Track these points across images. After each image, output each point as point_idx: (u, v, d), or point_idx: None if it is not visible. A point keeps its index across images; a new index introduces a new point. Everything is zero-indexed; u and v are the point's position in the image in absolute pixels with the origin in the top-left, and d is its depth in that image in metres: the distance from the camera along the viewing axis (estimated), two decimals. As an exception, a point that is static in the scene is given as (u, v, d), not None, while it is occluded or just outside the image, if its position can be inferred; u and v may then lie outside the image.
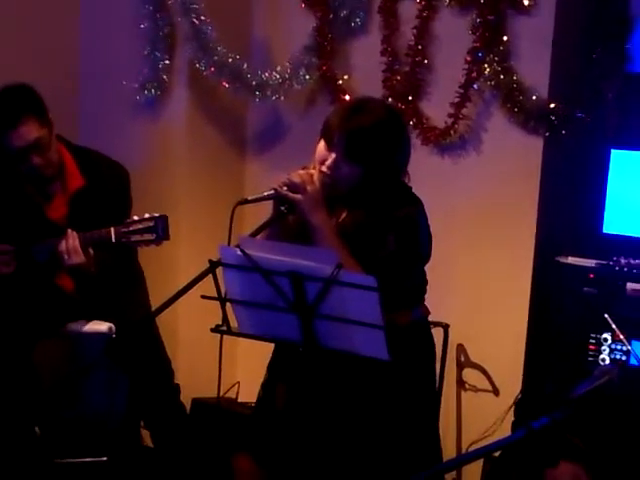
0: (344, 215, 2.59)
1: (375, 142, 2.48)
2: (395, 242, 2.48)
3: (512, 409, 3.49)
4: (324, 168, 2.51)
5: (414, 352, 2.59)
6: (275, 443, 2.63)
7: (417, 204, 2.59)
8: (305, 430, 2.54)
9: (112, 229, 3.14)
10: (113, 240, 3.13)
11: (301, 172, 2.51)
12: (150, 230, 3.12)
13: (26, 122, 3.20)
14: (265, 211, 2.59)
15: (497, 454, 3.04)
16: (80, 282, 3.40)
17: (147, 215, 3.13)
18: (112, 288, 3.45)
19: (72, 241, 3.15)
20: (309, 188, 2.47)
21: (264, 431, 2.69)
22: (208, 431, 3.75)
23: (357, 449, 2.55)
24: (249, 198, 2.53)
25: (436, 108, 3.69)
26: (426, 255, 2.61)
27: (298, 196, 2.46)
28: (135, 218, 3.14)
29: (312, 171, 2.53)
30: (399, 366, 2.36)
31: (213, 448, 3.63)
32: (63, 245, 3.15)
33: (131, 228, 3.13)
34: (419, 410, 2.63)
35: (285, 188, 2.48)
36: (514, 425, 3.32)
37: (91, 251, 3.19)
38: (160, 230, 3.12)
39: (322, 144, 2.54)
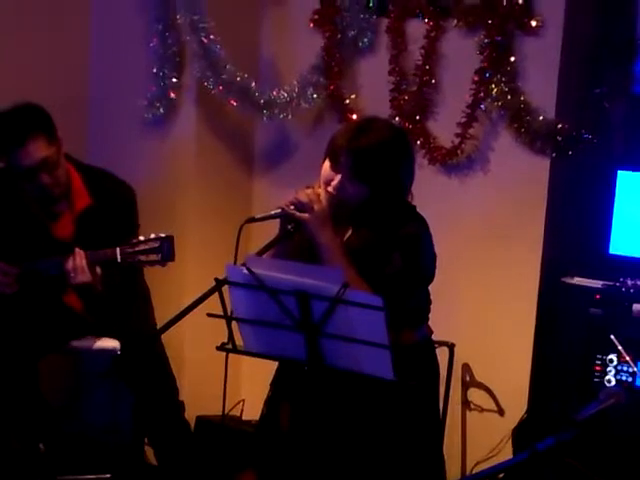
0: (349, 234, 2.59)
1: (381, 162, 2.49)
2: (401, 260, 2.49)
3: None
4: (330, 189, 2.51)
5: (418, 372, 2.58)
6: (280, 462, 2.62)
7: (422, 223, 2.59)
8: (309, 449, 2.53)
9: (118, 249, 3.14)
10: (119, 260, 3.13)
11: (308, 191, 2.52)
12: (155, 251, 3.12)
13: (34, 141, 3.20)
14: (272, 230, 2.59)
15: (502, 475, 3.02)
16: (87, 300, 3.40)
17: (153, 235, 3.13)
18: (118, 305, 3.45)
19: (79, 260, 3.15)
20: (316, 207, 2.47)
21: (268, 449, 2.68)
22: (212, 449, 3.74)
23: (361, 468, 2.55)
24: (256, 217, 2.54)
25: (443, 128, 3.70)
26: (430, 275, 2.61)
27: (305, 215, 2.47)
28: (141, 238, 3.14)
29: (319, 190, 2.53)
30: (403, 386, 2.35)
31: (217, 466, 3.62)
32: (70, 263, 3.15)
33: (137, 248, 3.13)
34: (423, 430, 2.63)
35: (292, 207, 2.49)
36: (515, 446, 3.31)
37: (98, 270, 3.19)
38: (165, 251, 3.12)
39: (327, 164, 2.54)
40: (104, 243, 3.19)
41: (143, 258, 3.13)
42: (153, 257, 3.12)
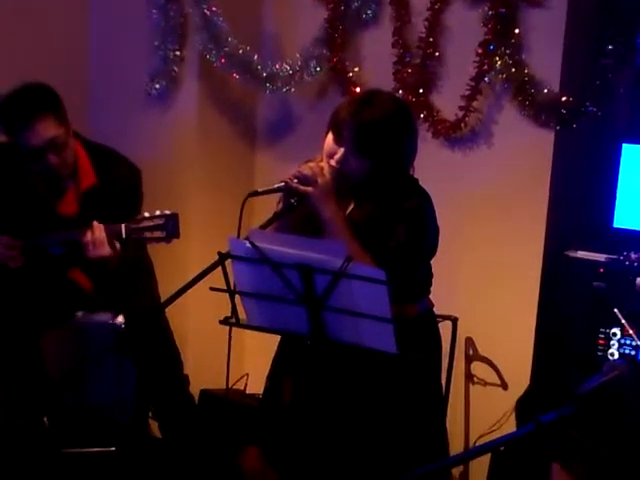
0: (351, 207, 2.59)
1: (384, 135, 2.48)
2: (406, 233, 2.48)
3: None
4: (333, 162, 2.51)
5: (421, 345, 2.58)
6: (283, 437, 2.63)
7: (425, 196, 2.59)
8: (312, 423, 2.54)
9: (123, 225, 3.14)
10: (123, 236, 3.14)
11: (311, 165, 2.51)
12: (160, 228, 3.13)
13: (43, 120, 3.18)
14: (275, 203, 2.59)
15: (502, 448, 3.03)
16: (93, 275, 3.40)
17: (158, 212, 3.13)
18: (124, 280, 3.46)
19: (99, 232, 3.15)
20: (320, 180, 2.47)
21: (271, 425, 2.69)
22: (216, 422, 3.76)
23: (363, 442, 2.56)
24: (259, 190, 2.53)
25: (447, 101, 3.68)
26: (433, 248, 2.61)
27: (309, 188, 2.46)
28: (146, 215, 3.14)
29: (322, 164, 2.53)
30: (406, 359, 2.35)
31: (221, 439, 3.63)
32: (89, 236, 3.15)
33: (141, 225, 3.13)
34: (426, 403, 2.64)
35: (295, 181, 2.48)
36: (518, 419, 3.32)
37: (117, 245, 3.19)
38: (170, 228, 3.12)
39: (330, 138, 2.53)
40: (107, 222, 3.19)
41: (148, 235, 3.13)
42: (158, 234, 3.13)
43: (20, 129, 3.19)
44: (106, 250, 3.15)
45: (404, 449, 2.56)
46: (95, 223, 3.16)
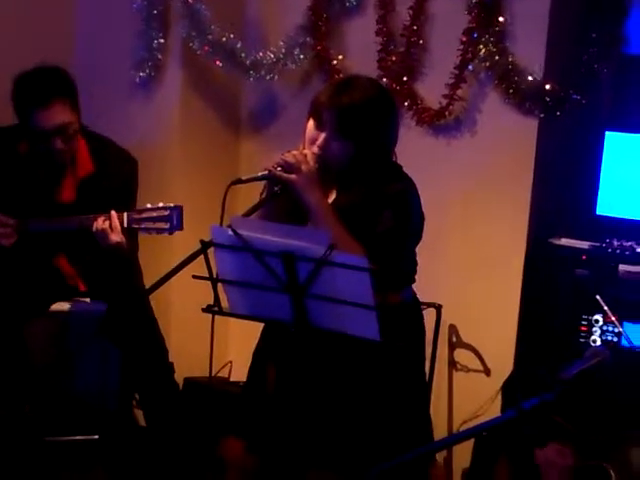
0: (335, 194, 2.58)
1: (365, 116, 2.48)
2: (392, 218, 2.48)
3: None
4: (315, 148, 2.50)
5: (404, 332, 2.59)
6: (265, 427, 2.63)
7: (409, 182, 2.59)
8: (295, 411, 2.54)
9: (125, 214, 3.15)
10: (125, 225, 3.15)
11: (295, 152, 2.50)
12: (164, 219, 3.14)
13: (60, 103, 3.18)
14: (259, 192, 2.58)
15: (485, 434, 3.05)
16: (84, 263, 3.39)
17: (161, 204, 3.15)
18: (111, 269, 3.46)
19: (114, 220, 3.15)
20: (304, 168, 2.46)
21: (254, 414, 2.69)
22: (200, 410, 3.76)
23: (347, 430, 2.56)
24: (243, 178, 2.52)
25: (431, 89, 3.68)
26: (418, 234, 2.61)
27: (293, 176, 2.46)
28: (149, 206, 3.15)
29: (306, 151, 2.52)
30: (390, 346, 2.36)
31: (205, 427, 3.64)
32: (105, 224, 3.14)
33: (144, 215, 3.14)
34: (409, 390, 2.64)
35: (279, 169, 2.48)
36: (503, 406, 3.34)
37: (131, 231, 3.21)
38: (175, 220, 3.13)
39: (311, 124, 2.53)
40: (103, 210, 3.20)
41: (150, 225, 3.14)
42: (161, 225, 3.14)
43: (35, 108, 3.18)
44: (120, 238, 3.15)
45: (388, 436, 2.56)
46: (112, 212, 3.16)
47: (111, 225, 3.15)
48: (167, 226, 3.14)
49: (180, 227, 3.16)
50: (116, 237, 3.15)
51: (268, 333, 2.70)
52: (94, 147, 3.40)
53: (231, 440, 2.73)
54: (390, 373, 2.57)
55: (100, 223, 3.16)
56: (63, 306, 3.50)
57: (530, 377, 3.00)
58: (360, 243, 2.44)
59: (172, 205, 3.16)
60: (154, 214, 3.14)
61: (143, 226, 3.16)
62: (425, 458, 2.57)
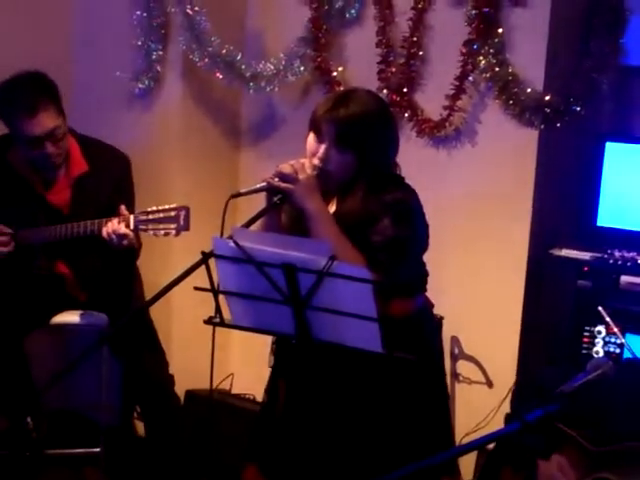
0: (335, 205, 2.58)
1: (363, 128, 2.48)
2: (392, 226, 2.47)
3: (505, 401, 3.50)
4: (316, 160, 2.51)
5: (414, 342, 2.55)
6: (277, 449, 2.60)
7: (410, 191, 2.59)
8: (306, 429, 2.51)
9: (132, 216, 3.15)
10: (131, 227, 3.14)
11: (292, 162, 2.50)
12: (171, 220, 3.13)
13: (46, 110, 3.21)
14: (259, 204, 2.58)
15: (491, 446, 3.03)
16: (81, 274, 3.40)
17: (167, 206, 3.14)
18: (108, 280, 3.45)
19: (129, 219, 3.15)
20: (301, 176, 2.46)
21: (266, 437, 2.67)
22: (201, 423, 3.75)
23: (359, 448, 2.53)
24: (242, 191, 2.52)
25: (431, 100, 3.68)
26: (423, 241, 2.60)
27: (291, 186, 2.46)
28: (155, 208, 3.15)
29: (303, 160, 2.52)
30: (394, 358, 2.32)
31: (205, 441, 3.62)
32: (121, 227, 3.13)
33: (151, 217, 3.14)
34: (426, 403, 2.60)
35: (277, 179, 2.47)
36: (508, 418, 3.32)
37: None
38: (182, 221, 3.12)
39: (311, 137, 2.54)
40: (99, 209, 3.21)
41: (157, 226, 3.13)
42: (169, 226, 3.12)
43: (22, 117, 3.19)
44: (132, 238, 3.14)
45: (406, 453, 2.49)
46: (123, 208, 3.15)
47: (127, 224, 3.14)
48: (174, 227, 3.13)
49: (187, 228, 3.15)
50: (129, 239, 3.15)
51: (279, 349, 2.68)
52: (85, 147, 3.43)
53: (248, 467, 2.70)
54: (401, 386, 2.54)
55: (115, 224, 3.14)
56: (64, 318, 3.49)
57: (532, 389, 2.99)
58: (361, 252, 2.43)
59: (179, 206, 3.15)
60: (161, 215, 3.14)
61: (150, 227, 3.15)
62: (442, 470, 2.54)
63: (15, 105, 3.21)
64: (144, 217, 3.14)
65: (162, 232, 3.15)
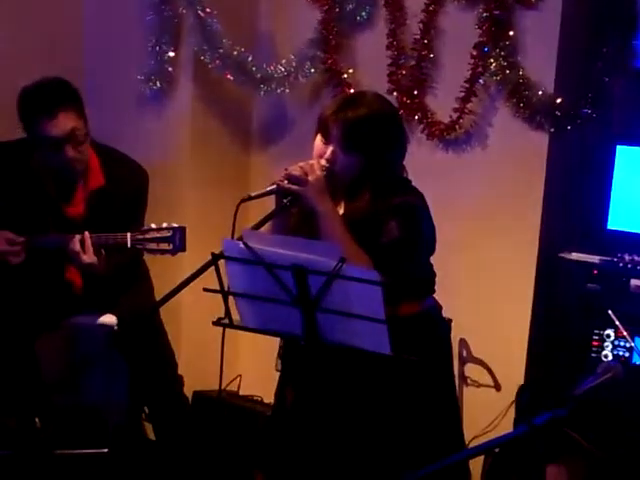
0: (343, 207, 2.58)
1: (370, 130, 2.49)
2: (399, 228, 2.47)
3: (514, 404, 3.49)
4: (323, 161, 2.51)
5: (422, 344, 2.55)
6: (287, 459, 2.60)
7: (418, 194, 2.59)
8: (314, 431, 2.51)
9: (128, 234, 3.15)
10: (128, 246, 3.15)
11: (301, 164, 2.51)
12: (167, 240, 3.14)
13: (65, 112, 3.20)
14: (269, 206, 2.58)
15: (498, 450, 3.03)
16: (88, 279, 3.40)
17: (165, 225, 3.15)
18: (118, 284, 3.46)
19: (86, 242, 3.16)
20: (311, 178, 2.46)
21: (274, 445, 2.67)
22: (209, 424, 3.75)
23: (367, 449, 2.53)
24: (252, 195, 2.51)
25: (441, 103, 3.68)
26: (431, 244, 2.60)
27: (301, 188, 2.46)
28: (152, 226, 3.16)
29: (312, 161, 2.53)
30: (403, 360, 2.32)
31: (214, 441, 3.63)
32: (77, 245, 3.16)
33: (147, 236, 3.15)
34: (434, 406, 2.60)
35: (286, 182, 2.48)
36: (516, 422, 3.32)
37: (102, 252, 3.20)
38: (177, 241, 3.14)
39: (319, 139, 2.55)
40: (113, 223, 3.21)
41: (154, 246, 3.15)
42: (164, 246, 3.15)
43: (42, 118, 3.19)
44: (91, 258, 3.16)
45: (415, 457, 2.49)
46: (86, 233, 3.17)
47: (84, 246, 3.16)
48: (170, 247, 3.15)
49: (183, 249, 3.17)
50: (88, 258, 3.17)
51: (286, 353, 2.69)
52: (104, 160, 3.41)
53: (256, 474, 2.70)
54: (412, 390, 2.54)
55: (74, 245, 3.16)
56: (73, 320, 3.50)
57: (541, 393, 2.99)
58: (368, 255, 2.43)
59: (175, 225, 3.16)
60: (157, 235, 3.14)
61: (146, 246, 3.16)
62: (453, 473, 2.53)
63: (36, 106, 3.22)
64: (140, 236, 3.15)
65: (158, 252, 3.17)
